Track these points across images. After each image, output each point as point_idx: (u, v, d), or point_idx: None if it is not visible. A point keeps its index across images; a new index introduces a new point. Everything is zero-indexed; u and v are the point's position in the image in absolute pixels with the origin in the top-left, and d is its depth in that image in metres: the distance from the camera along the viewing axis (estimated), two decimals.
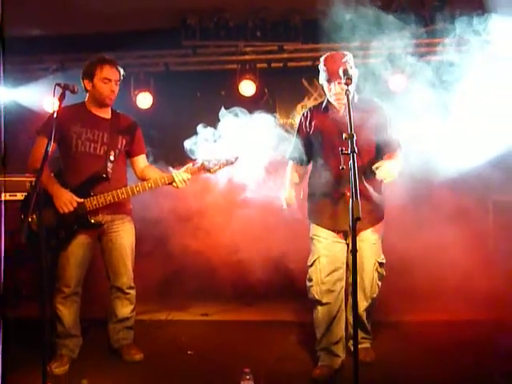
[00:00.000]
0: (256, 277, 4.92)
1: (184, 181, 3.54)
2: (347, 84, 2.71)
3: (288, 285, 4.70)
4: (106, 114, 3.66)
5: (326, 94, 3.38)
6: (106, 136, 3.58)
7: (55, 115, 2.95)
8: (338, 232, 3.32)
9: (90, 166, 3.50)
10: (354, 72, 3.22)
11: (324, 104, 3.43)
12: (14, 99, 6.02)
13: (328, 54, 3.31)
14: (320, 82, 3.39)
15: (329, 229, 3.32)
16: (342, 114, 3.29)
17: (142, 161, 3.81)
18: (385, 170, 3.08)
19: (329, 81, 3.25)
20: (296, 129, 3.60)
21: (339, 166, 2.98)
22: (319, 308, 3.33)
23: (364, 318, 3.47)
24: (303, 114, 3.54)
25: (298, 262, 3.38)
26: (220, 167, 3.61)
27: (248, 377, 2.78)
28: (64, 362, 3.46)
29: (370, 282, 3.36)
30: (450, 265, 4.45)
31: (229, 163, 3.64)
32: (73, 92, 3.29)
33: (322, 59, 3.31)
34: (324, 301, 3.29)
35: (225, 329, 4.48)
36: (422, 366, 3.41)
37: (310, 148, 3.48)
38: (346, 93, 2.67)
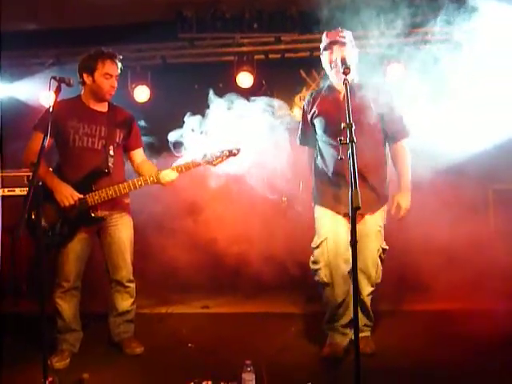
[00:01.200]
0: (256, 269, 4.92)
1: (167, 181, 3.52)
2: (345, 73, 2.68)
3: (288, 276, 4.70)
4: (103, 107, 3.63)
5: (328, 75, 3.40)
6: (104, 130, 3.55)
7: (51, 109, 2.93)
8: (342, 214, 3.32)
9: (89, 161, 3.47)
10: (354, 52, 3.28)
11: (325, 87, 3.45)
12: (11, 94, 6.00)
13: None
14: (321, 57, 3.39)
15: (333, 210, 3.34)
16: (343, 97, 3.20)
17: (139, 155, 3.80)
18: (401, 209, 3.33)
19: (327, 48, 3.28)
20: (301, 114, 3.65)
21: (338, 148, 3.06)
22: (328, 290, 3.34)
23: (368, 303, 3.42)
24: (306, 100, 3.59)
25: (298, 253, 3.36)
26: (222, 159, 3.56)
27: (249, 369, 2.77)
28: (65, 357, 3.45)
29: (374, 267, 3.34)
30: (450, 253, 4.46)
31: (231, 155, 3.59)
32: (68, 85, 3.27)
33: (323, 35, 3.37)
34: (334, 283, 3.30)
35: (225, 321, 4.48)
36: (422, 356, 3.38)
37: (315, 133, 3.50)
38: (344, 82, 2.65)
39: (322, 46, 3.38)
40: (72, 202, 3.36)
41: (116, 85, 3.56)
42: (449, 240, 4.47)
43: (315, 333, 3.37)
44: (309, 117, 3.48)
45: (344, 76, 2.69)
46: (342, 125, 2.45)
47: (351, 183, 2.26)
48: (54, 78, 3.00)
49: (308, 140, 3.61)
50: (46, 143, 2.80)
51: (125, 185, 3.47)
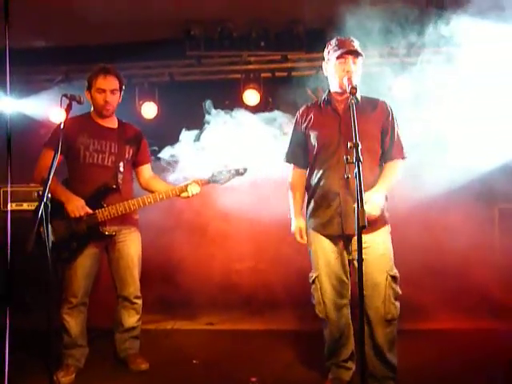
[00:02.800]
0: (261, 286, 4.93)
1: (194, 194, 3.57)
2: (352, 93, 2.70)
3: (294, 293, 4.68)
4: (113, 123, 3.68)
5: (329, 86, 3.21)
6: (114, 146, 3.60)
7: (62, 126, 2.96)
8: (335, 238, 3.10)
9: (98, 177, 3.51)
10: (360, 66, 3.07)
11: (324, 97, 3.22)
12: (20, 110, 6.06)
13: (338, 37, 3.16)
14: (324, 69, 3.22)
15: (325, 234, 3.12)
16: (343, 108, 3.10)
17: (147, 171, 3.84)
18: (370, 206, 2.85)
19: (340, 57, 3.02)
20: (292, 128, 3.38)
21: (336, 165, 3.00)
22: (324, 325, 3.22)
23: (383, 347, 3.03)
24: (299, 112, 3.35)
25: (304, 270, 3.33)
26: (229, 178, 3.64)
27: None
28: (70, 372, 3.46)
29: (382, 301, 2.99)
30: (454, 271, 4.46)
31: (238, 174, 3.67)
32: (79, 103, 3.32)
33: (331, 42, 3.14)
34: (328, 319, 3.16)
35: (230, 338, 4.47)
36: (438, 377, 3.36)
37: (307, 148, 3.26)
38: (350, 101, 2.67)
39: (332, 53, 3.10)
40: (82, 214, 3.39)
41: (112, 98, 3.54)
42: (454, 258, 4.48)
43: (321, 351, 3.34)
44: (303, 130, 3.25)
45: (350, 96, 2.70)
46: (349, 144, 2.45)
47: (357, 202, 2.27)
48: (65, 95, 3.04)
49: (298, 156, 3.34)
50: (57, 159, 2.82)
51: (134, 201, 3.51)
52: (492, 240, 5.17)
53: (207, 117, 5.18)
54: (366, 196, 2.75)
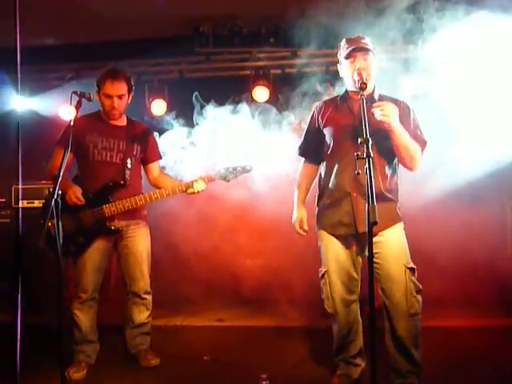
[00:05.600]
0: (271, 282, 4.93)
1: (200, 190, 3.58)
2: (362, 89, 2.68)
3: (303, 290, 4.67)
4: (121, 121, 3.71)
5: (345, 83, 3.18)
6: (122, 143, 3.62)
7: (72, 124, 2.98)
8: (346, 238, 3.09)
9: (107, 174, 3.54)
10: (374, 61, 3.04)
11: (341, 95, 3.21)
12: (30, 108, 6.10)
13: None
14: (339, 68, 3.19)
15: (336, 234, 3.10)
16: (358, 106, 2.94)
17: (155, 168, 3.85)
18: (384, 105, 2.82)
19: (349, 56, 3.01)
20: (307, 123, 3.37)
21: (349, 164, 2.95)
22: (334, 321, 3.21)
23: (407, 343, 2.96)
24: (316, 107, 3.31)
25: (314, 267, 3.32)
26: (236, 175, 3.65)
27: (265, 382, 2.77)
28: (81, 368, 3.47)
29: (403, 295, 2.92)
30: (466, 268, 4.43)
31: (245, 171, 3.68)
32: (89, 100, 3.34)
33: (342, 42, 3.11)
34: (337, 314, 3.14)
35: (240, 334, 4.47)
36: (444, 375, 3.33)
37: (321, 145, 3.22)
38: (360, 96, 2.66)
39: (342, 53, 3.10)
40: (75, 201, 3.38)
41: (119, 103, 3.55)
42: (465, 255, 4.45)
43: (330, 347, 3.33)
44: (318, 126, 3.23)
45: (361, 91, 2.68)
46: (359, 140, 2.45)
47: (368, 198, 2.26)
48: (75, 92, 3.06)
49: (310, 151, 3.33)
50: (67, 158, 2.84)
51: (141, 197, 3.52)
52: (504, 237, 5.14)
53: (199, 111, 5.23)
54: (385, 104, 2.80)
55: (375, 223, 2.18)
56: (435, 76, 4.25)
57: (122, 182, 3.54)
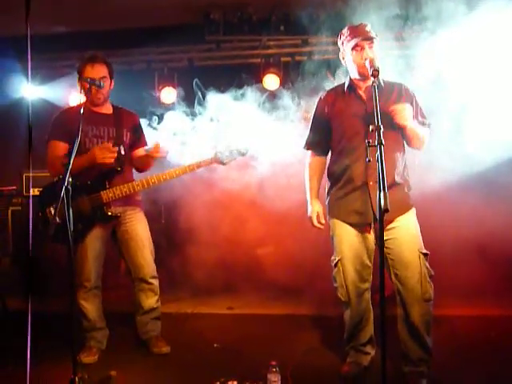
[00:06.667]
0: (281, 270, 4.94)
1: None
2: (374, 76, 2.65)
3: (314, 278, 4.68)
4: (107, 109, 3.70)
5: (349, 73, 3.14)
6: (112, 130, 3.62)
7: (82, 111, 3.00)
8: (361, 226, 3.07)
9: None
10: (379, 48, 3.01)
11: (347, 84, 3.15)
12: (41, 96, 6.11)
13: (349, 25, 3.11)
14: (341, 57, 3.15)
15: (351, 223, 3.08)
16: (367, 95, 3.04)
17: (142, 153, 3.82)
18: (401, 109, 2.85)
19: (355, 47, 2.98)
20: (313, 114, 3.31)
21: (363, 153, 2.83)
22: (345, 309, 3.21)
23: (420, 329, 2.95)
24: (320, 98, 3.27)
25: (323, 255, 3.32)
26: (233, 158, 3.72)
27: (275, 369, 2.78)
28: (93, 353, 3.51)
29: (418, 280, 2.91)
30: (475, 258, 4.41)
31: (240, 154, 3.74)
32: (99, 87, 3.38)
33: (343, 31, 3.08)
34: (350, 302, 3.14)
35: (250, 322, 4.49)
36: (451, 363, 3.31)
37: (329, 135, 3.20)
38: (372, 84, 2.63)
39: (346, 43, 3.04)
40: (114, 154, 3.41)
41: (99, 83, 3.44)
42: (477, 244, 4.44)
43: (340, 336, 3.34)
44: (325, 117, 3.19)
45: (373, 78, 2.65)
46: (371, 127, 2.44)
47: (379, 185, 2.26)
48: (86, 80, 3.06)
49: (318, 144, 3.31)
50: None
51: (138, 182, 3.54)
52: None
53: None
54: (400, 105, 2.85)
55: (387, 210, 2.18)
56: (446, 62, 4.22)
57: (118, 169, 3.54)
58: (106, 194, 3.48)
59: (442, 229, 4.25)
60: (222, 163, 3.70)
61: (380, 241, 2.35)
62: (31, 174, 3.12)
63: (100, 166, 3.46)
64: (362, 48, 2.98)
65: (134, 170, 3.82)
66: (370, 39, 2.98)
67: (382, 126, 2.42)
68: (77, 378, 2.65)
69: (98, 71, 3.51)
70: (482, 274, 4.35)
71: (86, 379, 2.79)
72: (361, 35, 2.98)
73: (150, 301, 3.71)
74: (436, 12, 4.05)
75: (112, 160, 3.43)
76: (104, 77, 3.53)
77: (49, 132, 3.60)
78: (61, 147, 3.52)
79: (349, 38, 3.03)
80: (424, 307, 2.95)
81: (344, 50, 3.12)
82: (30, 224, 2.77)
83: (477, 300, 4.48)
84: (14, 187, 5.42)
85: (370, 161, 2.42)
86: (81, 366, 2.92)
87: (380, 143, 2.36)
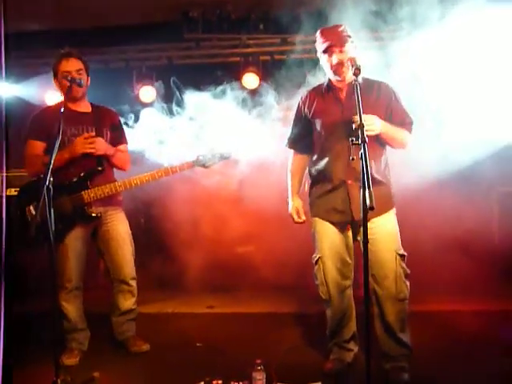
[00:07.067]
0: (260, 269, 4.95)
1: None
2: (355, 74, 2.66)
3: (294, 276, 4.70)
4: (86, 108, 3.65)
5: (326, 73, 3.16)
6: (91, 130, 3.56)
7: (62, 110, 2.97)
8: (341, 224, 3.11)
9: (80, 160, 3.46)
10: (353, 49, 3.02)
11: (325, 84, 3.18)
12: (16, 94, 6.01)
13: (323, 27, 3.11)
14: (318, 56, 3.14)
15: (331, 221, 3.11)
16: (345, 95, 3.09)
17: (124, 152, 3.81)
18: (370, 122, 2.83)
19: (326, 51, 3.01)
20: (294, 113, 3.34)
21: (341, 152, 2.98)
22: (327, 306, 3.24)
23: (395, 327, 3.01)
24: (301, 98, 3.29)
25: (304, 253, 3.34)
26: (215, 162, 3.70)
27: (259, 368, 2.79)
28: (74, 355, 3.47)
29: (393, 279, 2.97)
30: (453, 254, 4.48)
31: (223, 158, 3.73)
32: (79, 85, 3.34)
33: (317, 33, 3.10)
34: (331, 300, 3.17)
35: (231, 321, 4.48)
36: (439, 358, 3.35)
37: (310, 134, 3.23)
38: (354, 83, 2.65)
39: (318, 47, 3.07)
40: (92, 144, 3.40)
41: (77, 79, 3.44)
42: (452, 240, 4.50)
43: (322, 333, 3.35)
44: (306, 116, 3.22)
45: (354, 77, 2.66)
46: (354, 125, 2.46)
47: (363, 183, 2.27)
48: (63, 75, 3.01)
49: (300, 143, 3.33)
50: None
51: (121, 183, 3.52)
52: (490, 223, 5.20)
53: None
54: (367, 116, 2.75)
55: (372, 208, 2.19)
56: (426, 59, 4.27)
57: (99, 169, 3.51)
58: (88, 194, 3.45)
59: (423, 227, 4.31)
60: (204, 166, 3.69)
61: (364, 238, 2.36)
62: (5, 174, 3.07)
63: (79, 166, 3.43)
64: (332, 52, 3.00)
65: (115, 170, 3.77)
66: (340, 44, 2.98)
67: (364, 125, 2.43)
68: (59, 381, 2.63)
69: (74, 64, 3.50)
70: (466, 270, 4.41)
71: (68, 381, 2.75)
72: (330, 39, 3.00)
73: (128, 302, 3.69)
74: (413, 11, 4.09)
75: (93, 150, 3.41)
76: (80, 69, 3.51)
77: (27, 131, 3.55)
78: (38, 146, 3.49)
79: (320, 41, 3.06)
80: (398, 306, 3.01)
81: (318, 53, 3.13)
82: (4, 224, 2.73)
83: (462, 296, 4.54)
84: None
85: (353, 159, 2.44)
86: (63, 368, 2.88)
87: (363, 141, 2.37)
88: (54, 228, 3.26)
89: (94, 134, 3.47)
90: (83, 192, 3.44)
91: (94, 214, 3.49)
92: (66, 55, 3.52)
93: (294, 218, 3.30)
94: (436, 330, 3.85)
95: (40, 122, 3.51)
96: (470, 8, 3.84)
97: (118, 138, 3.75)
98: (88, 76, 3.62)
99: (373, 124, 2.86)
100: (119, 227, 3.64)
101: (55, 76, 3.54)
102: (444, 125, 4.38)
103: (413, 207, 3.92)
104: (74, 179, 3.45)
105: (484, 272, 4.39)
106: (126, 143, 3.84)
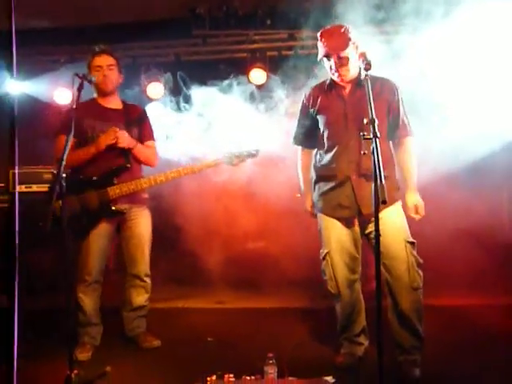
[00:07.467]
0: (271, 264, 4.96)
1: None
2: (366, 69, 2.65)
3: (304, 272, 4.71)
4: (117, 105, 3.72)
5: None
6: (120, 126, 3.60)
7: (75, 106, 3.00)
8: (347, 219, 3.14)
9: (108, 157, 3.53)
10: (354, 49, 3.03)
11: (328, 82, 3.21)
12: (25, 91, 6.03)
13: (325, 28, 3.12)
14: (318, 59, 3.16)
15: (337, 217, 3.15)
16: (347, 92, 3.12)
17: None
18: (413, 209, 3.10)
19: (327, 56, 3.04)
20: (299, 110, 3.39)
21: (345, 148, 3.04)
22: (336, 301, 3.26)
23: (410, 316, 3.00)
24: (305, 95, 3.33)
25: (315, 248, 3.35)
26: (242, 160, 3.70)
27: (271, 361, 2.80)
28: (87, 349, 3.50)
29: (405, 269, 2.96)
30: (463, 248, 4.47)
31: (250, 156, 3.73)
32: (90, 82, 3.37)
33: (318, 35, 3.11)
34: (340, 295, 3.19)
35: (241, 316, 4.51)
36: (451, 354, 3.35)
37: (315, 131, 3.27)
38: (365, 78, 2.64)
39: (319, 49, 3.09)
40: (116, 136, 3.47)
41: (110, 74, 3.61)
42: (465, 234, 4.49)
43: (333, 327, 3.37)
44: (310, 113, 3.26)
45: (365, 72, 2.65)
46: (365, 120, 2.47)
47: (375, 177, 2.29)
48: (77, 74, 3.04)
49: (306, 139, 3.38)
50: (70, 142, 2.86)
51: (146, 180, 3.55)
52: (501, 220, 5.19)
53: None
54: (406, 200, 3.10)
55: (384, 202, 2.21)
56: (432, 53, 4.25)
57: (127, 166, 3.56)
58: (113, 191, 3.49)
59: (436, 220, 4.30)
60: (232, 164, 3.70)
61: (376, 231, 2.37)
62: (17, 171, 3.08)
63: (106, 162, 3.50)
64: (330, 57, 3.04)
65: (143, 167, 3.81)
66: (340, 48, 2.99)
67: (376, 119, 2.44)
68: (73, 375, 2.65)
69: (106, 59, 3.61)
70: (479, 263, 4.41)
71: (81, 376, 2.77)
72: (330, 45, 3.01)
73: (141, 298, 3.72)
74: (420, 5, 4.09)
75: (114, 140, 3.47)
76: (111, 65, 3.61)
77: (58, 126, 3.61)
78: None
79: (320, 44, 3.08)
80: (413, 295, 3.00)
81: (319, 51, 3.15)
82: (17, 221, 2.75)
83: (474, 289, 4.56)
84: (2, 184, 5.35)
85: (365, 153, 2.46)
86: (76, 362, 2.91)
87: (375, 136, 2.38)
88: (78, 223, 3.42)
89: (118, 128, 3.51)
90: (109, 188, 3.49)
91: (118, 211, 3.54)
92: (99, 52, 3.63)
93: (311, 214, 3.37)
94: (449, 324, 3.87)
95: (70, 117, 3.50)
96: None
97: (145, 135, 3.79)
98: (120, 73, 3.71)
99: (417, 202, 3.13)
100: (141, 225, 3.69)
101: (89, 72, 3.60)
102: (454, 118, 4.37)
103: (425, 201, 3.91)
104: (101, 175, 3.51)
105: (496, 265, 4.39)
106: (154, 140, 3.87)
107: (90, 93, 3.68)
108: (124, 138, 3.53)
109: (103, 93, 3.65)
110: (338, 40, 3.01)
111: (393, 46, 4.53)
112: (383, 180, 2.25)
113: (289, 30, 5.91)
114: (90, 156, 3.49)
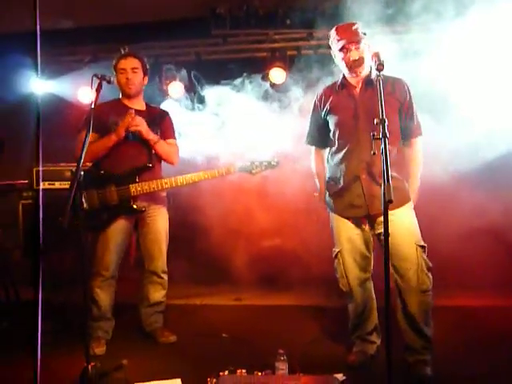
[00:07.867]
0: (287, 262, 4.98)
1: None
2: (379, 70, 2.66)
3: (320, 270, 4.72)
4: (140, 106, 3.81)
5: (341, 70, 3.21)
6: None
7: (93, 106, 3.05)
8: (357, 219, 3.16)
9: (132, 155, 3.64)
10: (367, 47, 3.07)
11: (339, 81, 3.23)
12: (49, 91, 6.17)
13: (338, 25, 3.16)
14: (333, 55, 3.20)
15: (349, 216, 3.17)
16: (358, 92, 3.14)
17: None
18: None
19: (342, 48, 3.05)
20: (311, 111, 3.41)
21: (355, 147, 3.06)
22: (348, 299, 3.29)
23: (418, 319, 3.00)
24: (317, 95, 3.36)
25: (331, 246, 3.37)
26: (261, 170, 3.79)
27: (282, 358, 2.84)
28: (101, 343, 3.57)
29: (415, 272, 2.96)
30: (475, 247, 4.44)
31: (270, 167, 3.82)
32: (109, 82, 3.42)
33: (331, 32, 3.14)
34: (352, 292, 3.22)
35: (258, 313, 4.55)
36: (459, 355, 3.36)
37: (327, 130, 3.29)
38: (377, 78, 2.66)
39: (333, 44, 3.13)
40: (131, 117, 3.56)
41: (134, 76, 3.69)
42: (479, 234, 4.46)
43: (346, 326, 3.39)
44: (322, 113, 3.28)
45: (377, 72, 2.66)
46: (375, 120, 2.48)
47: (384, 177, 2.30)
48: (96, 75, 3.11)
49: (318, 139, 3.40)
50: (89, 138, 2.94)
51: (167, 180, 3.64)
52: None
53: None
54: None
55: (390, 201, 2.23)
56: (448, 56, 4.23)
57: (149, 165, 3.65)
58: (135, 188, 3.57)
59: (448, 219, 4.29)
60: (251, 173, 3.79)
61: (385, 232, 2.38)
62: (41, 169, 3.17)
63: (129, 160, 3.60)
64: (348, 50, 3.05)
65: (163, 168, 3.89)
66: (356, 41, 3.03)
67: (386, 120, 2.45)
68: (90, 367, 2.73)
69: (130, 62, 3.69)
70: (493, 263, 4.38)
71: (98, 368, 2.84)
72: (346, 37, 3.04)
73: (158, 294, 3.80)
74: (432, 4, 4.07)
75: (133, 124, 3.55)
76: (136, 68, 3.69)
77: (82, 123, 3.69)
78: (90, 137, 3.59)
79: (336, 39, 3.10)
80: (421, 298, 3.00)
81: (333, 50, 3.18)
82: (40, 216, 2.83)
83: (487, 290, 4.53)
84: (26, 181, 5.50)
85: (374, 153, 2.46)
86: (92, 357, 2.98)
87: (384, 136, 2.40)
88: (97, 217, 3.53)
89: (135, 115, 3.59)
90: (131, 185, 3.57)
91: (137, 208, 3.62)
92: (124, 54, 3.74)
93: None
94: (461, 324, 3.85)
95: (95, 114, 3.57)
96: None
97: (166, 134, 3.86)
98: (146, 75, 3.79)
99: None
100: (159, 222, 3.76)
101: (115, 74, 3.71)
102: (469, 118, 4.34)
103: (438, 200, 3.91)
104: (124, 172, 3.60)
105: (510, 265, 4.35)
106: (175, 138, 3.94)
107: (116, 93, 3.81)
108: (141, 121, 3.60)
109: (127, 95, 3.74)
110: (354, 33, 3.06)
111: (407, 45, 4.53)
112: (390, 180, 2.26)
113: (308, 29, 5.92)
114: (111, 143, 3.57)
